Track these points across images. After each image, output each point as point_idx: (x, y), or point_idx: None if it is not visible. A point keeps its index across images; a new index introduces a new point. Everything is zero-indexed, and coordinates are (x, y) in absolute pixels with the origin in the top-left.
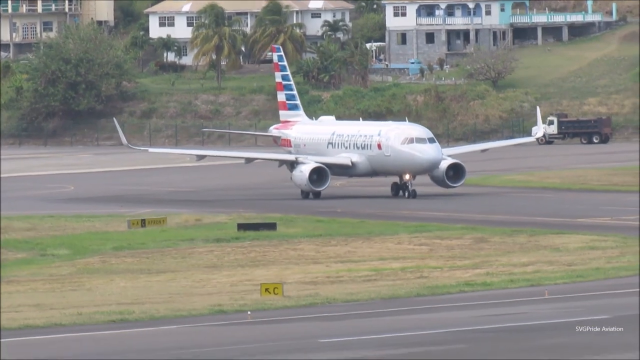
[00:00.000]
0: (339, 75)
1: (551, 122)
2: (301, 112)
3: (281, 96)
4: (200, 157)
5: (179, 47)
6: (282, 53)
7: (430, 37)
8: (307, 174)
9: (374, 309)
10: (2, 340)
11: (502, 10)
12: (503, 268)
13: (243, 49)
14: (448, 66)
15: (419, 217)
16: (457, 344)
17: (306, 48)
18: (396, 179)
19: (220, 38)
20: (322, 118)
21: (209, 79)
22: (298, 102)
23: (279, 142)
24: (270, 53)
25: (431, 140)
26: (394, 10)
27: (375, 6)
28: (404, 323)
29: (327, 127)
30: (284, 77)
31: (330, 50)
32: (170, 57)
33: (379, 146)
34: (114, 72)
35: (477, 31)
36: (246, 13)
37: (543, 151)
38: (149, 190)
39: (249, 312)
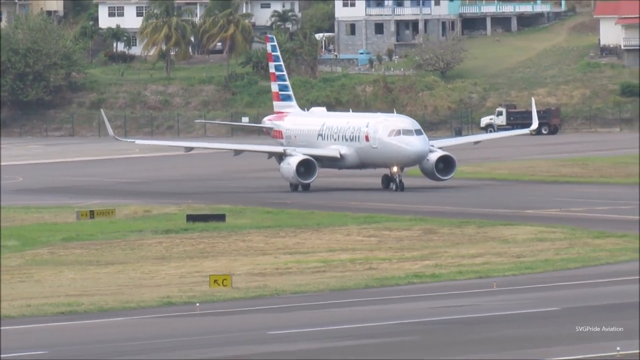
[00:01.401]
0: (288, 65)
1: (500, 113)
2: (293, 103)
3: (274, 87)
4: (189, 149)
5: (129, 37)
6: (275, 43)
7: (379, 28)
8: (294, 166)
9: (323, 301)
10: None
11: (451, 0)
12: (452, 259)
13: (192, 39)
14: (397, 57)
15: (367, 209)
16: (406, 336)
17: (255, 38)
18: (387, 171)
19: (170, 28)
20: (314, 109)
21: (159, 69)
22: (291, 92)
23: (271, 134)
24: (219, 43)
25: (418, 132)
26: (343, 0)
27: None
28: (353, 315)
29: (318, 118)
30: (277, 68)
31: (279, 41)
32: (120, 47)
33: (367, 138)
34: (63, 62)
35: (426, 21)
36: (195, 3)
37: (492, 142)
38: (98, 181)
39: (197, 304)
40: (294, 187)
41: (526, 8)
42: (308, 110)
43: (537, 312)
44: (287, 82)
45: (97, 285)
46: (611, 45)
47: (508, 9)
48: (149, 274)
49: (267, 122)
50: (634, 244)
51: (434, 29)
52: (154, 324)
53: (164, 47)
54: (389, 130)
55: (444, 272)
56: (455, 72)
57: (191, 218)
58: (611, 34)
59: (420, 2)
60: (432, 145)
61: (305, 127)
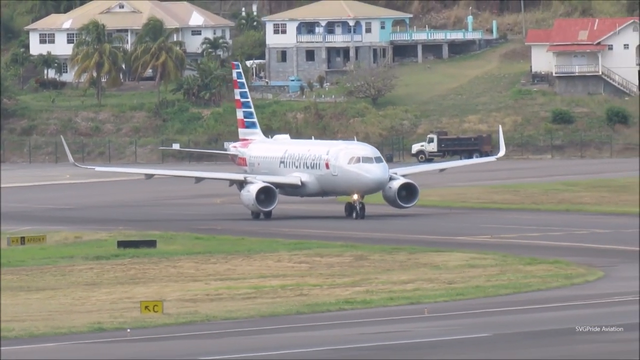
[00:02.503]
0: (219, 92)
1: (431, 140)
2: (258, 130)
3: (240, 114)
4: (149, 176)
5: (60, 64)
6: (240, 70)
7: (310, 55)
8: (254, 193)
9: (254, 327)
10: None
11: (383, 27)
12: (383, 286)
13: (123, 66)
14: (328, 84)
15: (299, 235)
16: None
17: (186, 65)
18: (350, 199)
19: (101, 55)
20: (277, 137)
21: (89, 96)
22: (255, 119)
23: (236, 161)
24: (150, 70)
25: (378, 160)
26: (274, 27)
27: (255, 23)
28: (283, 341)
29: (280, 146)
30: (242, 94)
31: (210, 68)
32: (51, 74)
33: (327, 165)
34: None
35: (357, 49)
36: (127, 30)
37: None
38: (29, 207)
39: (128, 330)
40: (256, 215)
41: (457, 35)
42: (272, 137)
43: (468, 338)
44: (252, 109)
45: (28, 311)
46: (543, 73)
47: (439, 36)
48: (80, 300)
49: (232, 149)
50: (565, 270)
51: (365, 56)
52: (85, 349)
53: (95, 74)
54: (348, 158)
55: (375, 299)
56: (387, 99)
57: (122, 244)
58: (543, 61)
59: (351, 29)
60: (395, 173)
61: (268, 154)
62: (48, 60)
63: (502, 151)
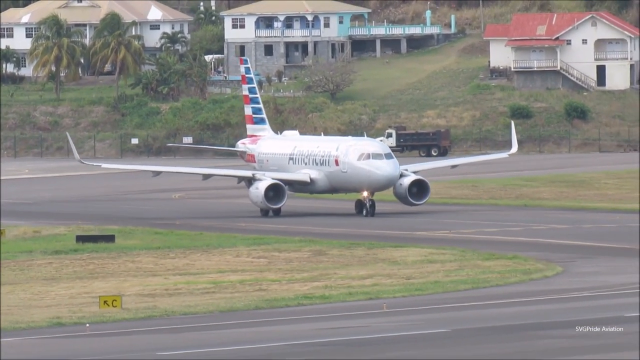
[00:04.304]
0: (178, 87)
1: (389, 135)
2: (267, 126)
3: (248, 110)
4: (157, 174)
5: (18, 58)
6: (249, 65)
7: (268, 49)
8: (262, 190)
9: (213, 322)
10: None
11: (341, 22)
12: (341, 281)
13: (82, 60)
14: (286, 78)
15: (257, 230)
16: (295, 357)
17: (145, 60)
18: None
19: (60, 49)
20: (286, 133)
21: (48, 90)
22: (264, 115)
23: (244, 158)
24: (109, 65)
25: (388, 156)
26: (233, 22)
27: (213, 18)
28: (242, 336)
29: (289, 142)
30: (251, 90)
31: (168, 62)
32: (9, 68)
33: (337, 162)
34: None
35: (315, 43)
36: (85, 25)
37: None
38: None
39: (87, 325)
40: (264, 212)
41: (415, 30)
42: (281, 133)
43: (427, 333)
44: (261, 105)
45: None
46: (501, 67)
47: (397, 31)
48: (39, 295)
49: (241, 145)
50: (524, 265)
51: (324, 50)
52: (44, 344)
53: (53, 69)
54: (358, 154)
55: (334, 294)
56: (345, 94)
57: (80, 239)
58: (501, 56)
59: (310, 23)
60: (406, 169)
61: (277, 150)
62: (6, 55)
63: (515, 147)
